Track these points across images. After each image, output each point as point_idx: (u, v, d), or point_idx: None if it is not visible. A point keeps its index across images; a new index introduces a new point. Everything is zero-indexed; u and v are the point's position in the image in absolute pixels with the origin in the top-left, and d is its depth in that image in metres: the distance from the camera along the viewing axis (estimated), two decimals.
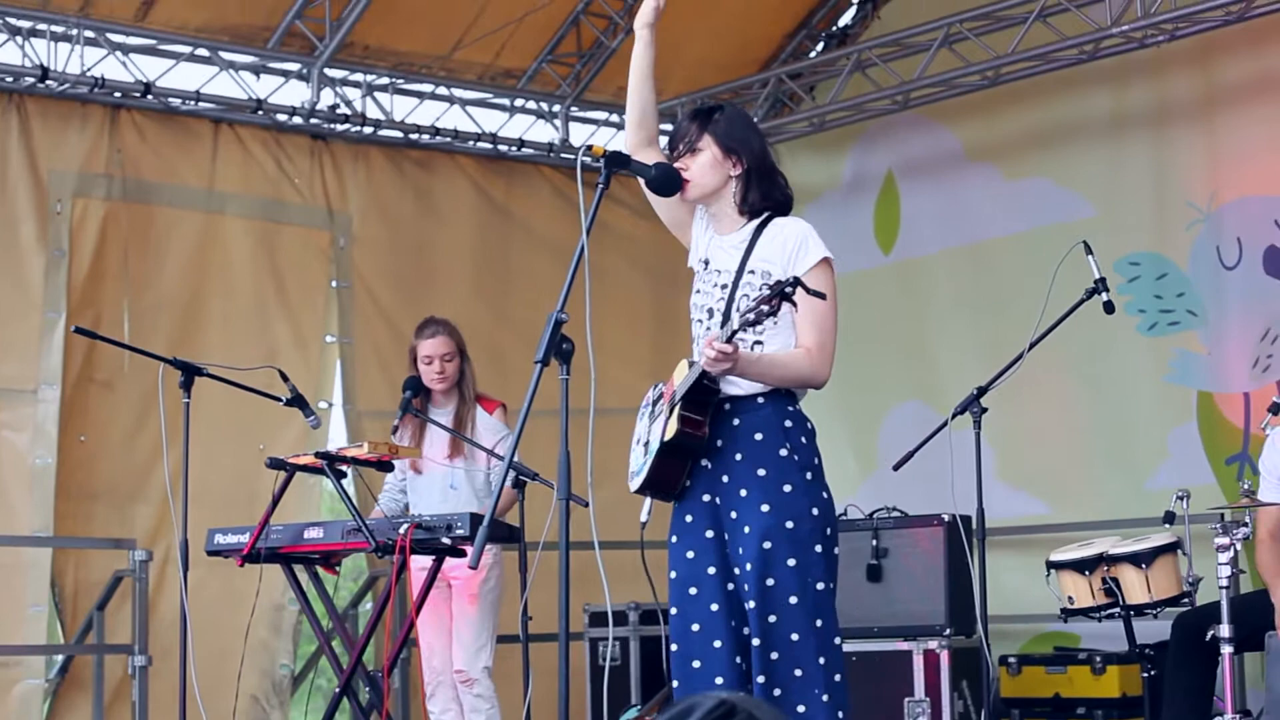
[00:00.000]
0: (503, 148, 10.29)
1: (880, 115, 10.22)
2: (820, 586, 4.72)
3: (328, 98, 9.61)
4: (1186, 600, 7.10)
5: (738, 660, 4.76)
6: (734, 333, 4.54)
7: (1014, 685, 8.03)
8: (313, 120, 9.56)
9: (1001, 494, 8.94)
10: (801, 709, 4.69)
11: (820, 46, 10.84)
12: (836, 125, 10.39)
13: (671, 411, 4.75)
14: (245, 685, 8.38)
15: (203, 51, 9.26)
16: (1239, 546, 5.74)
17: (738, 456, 4.77)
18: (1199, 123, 9.06)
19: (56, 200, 8.77)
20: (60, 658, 8.63)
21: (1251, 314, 8.79)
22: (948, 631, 8.00)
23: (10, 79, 8.65)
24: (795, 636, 4.69)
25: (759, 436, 4.76)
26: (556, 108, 10.56)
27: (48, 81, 8.68)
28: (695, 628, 4.80)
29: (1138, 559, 7.11)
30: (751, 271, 4.80)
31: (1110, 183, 9.39)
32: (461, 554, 6.31)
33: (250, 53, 9.41)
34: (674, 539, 4.89)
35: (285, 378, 7.03)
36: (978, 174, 10.00)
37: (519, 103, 10.46)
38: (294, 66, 9.53)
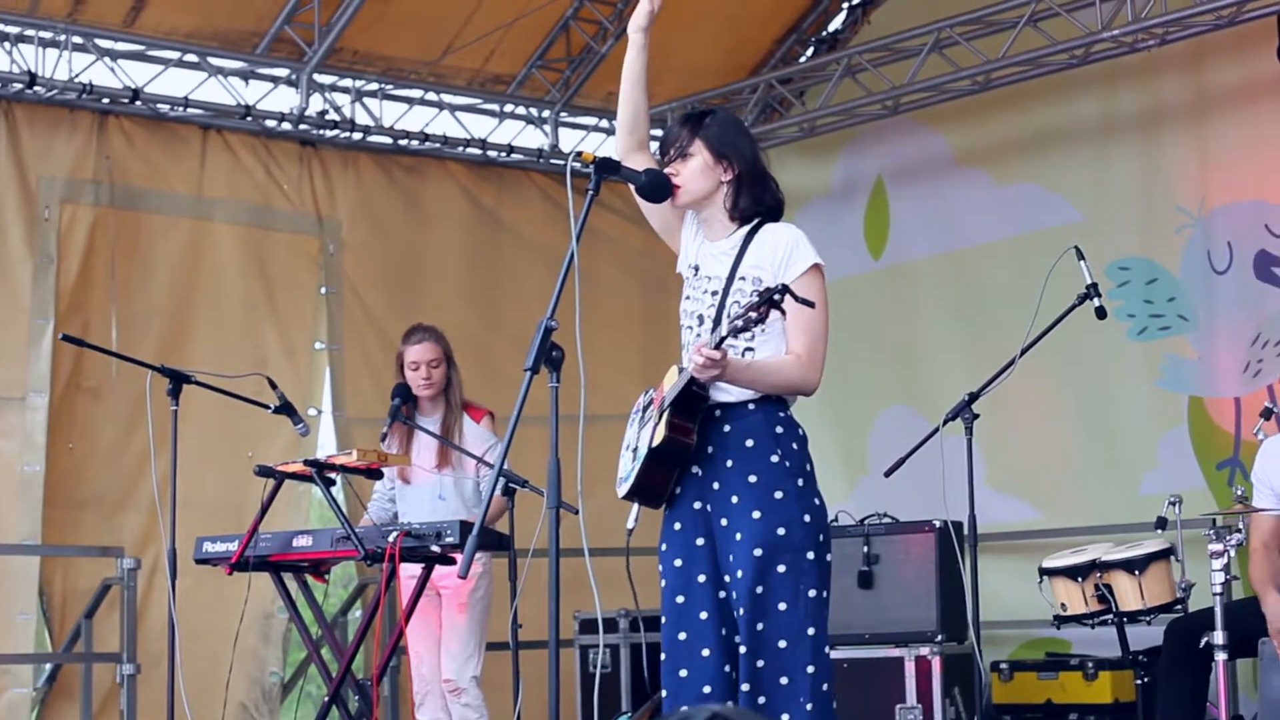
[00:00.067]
0: (492, 153, 10.28)
1: (870, 120, 10.20)
2: (812, 594, 4.70)
3: (317, 103, 9.59)
4: (1179, 606, 7.08)
5: (726, 669, 4.73)
6: (722, 339, 4.52)
7: (1006, 691, 8.02)
8: (302, 126, 9.54)
9: (991, 499, 8.92)
10: (785, 717, 4.66)
11: (810, 51, 10.83)
12: (827, 130, 10.38)
13: (660, 417, 4.73)
14: (234, 693, 8.37)
15: (191, 57, 9.24)
16: (1233, 553, 5.72)
17: (729, 463, 4.75)
18: (1189, 127, 9.06)
19: (44, 206, 8.74)
20: (48, 666, 8.60)
21: (1242, 318, 8.78)
22: (939, 638, 7.99)
23: None
24: (783, 644, 4.66)
25: (750, 443, 4.74)
26: (546, 113, 10.54)
27: (35, 88, 8.65)
28: (682, 636, 4.77)
29: (1131, 565, 7.09)
30: (742, 278, 4.78)
31: (1100, 188, 9.39)
32: (451, 562, 6.29)
33: (239, 58, 9.38)
34: (663, 547, 4.86)
35: (274, 385, 7.01)
36: (967, 179, 9.99)
37: (508, 108, 10.44)
38: (283, 72, 9.51)
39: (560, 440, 4.42)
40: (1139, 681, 7.20)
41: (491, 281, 10.18)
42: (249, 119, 9.34)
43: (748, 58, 10.70)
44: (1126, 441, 9.18)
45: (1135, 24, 8.65)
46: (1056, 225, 9.37)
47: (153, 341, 8.81)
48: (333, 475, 6.54)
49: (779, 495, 4.71)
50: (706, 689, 4.71)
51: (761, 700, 4.66)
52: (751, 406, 4.76)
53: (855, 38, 10.59)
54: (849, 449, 10.20)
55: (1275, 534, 6.59)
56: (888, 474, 7.30)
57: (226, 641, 7.43)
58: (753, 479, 4.71)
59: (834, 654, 4.80)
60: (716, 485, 4.76)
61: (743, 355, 4.73)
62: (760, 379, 4.73)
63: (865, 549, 8.25)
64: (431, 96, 10.14)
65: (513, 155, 10.36)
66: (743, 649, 4.67)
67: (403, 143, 9.95)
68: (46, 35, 8.76)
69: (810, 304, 4.49)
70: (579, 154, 4.70)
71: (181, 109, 9.13)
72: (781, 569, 4.67)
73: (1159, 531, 7.22)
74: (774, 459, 4.73)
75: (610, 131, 10.46)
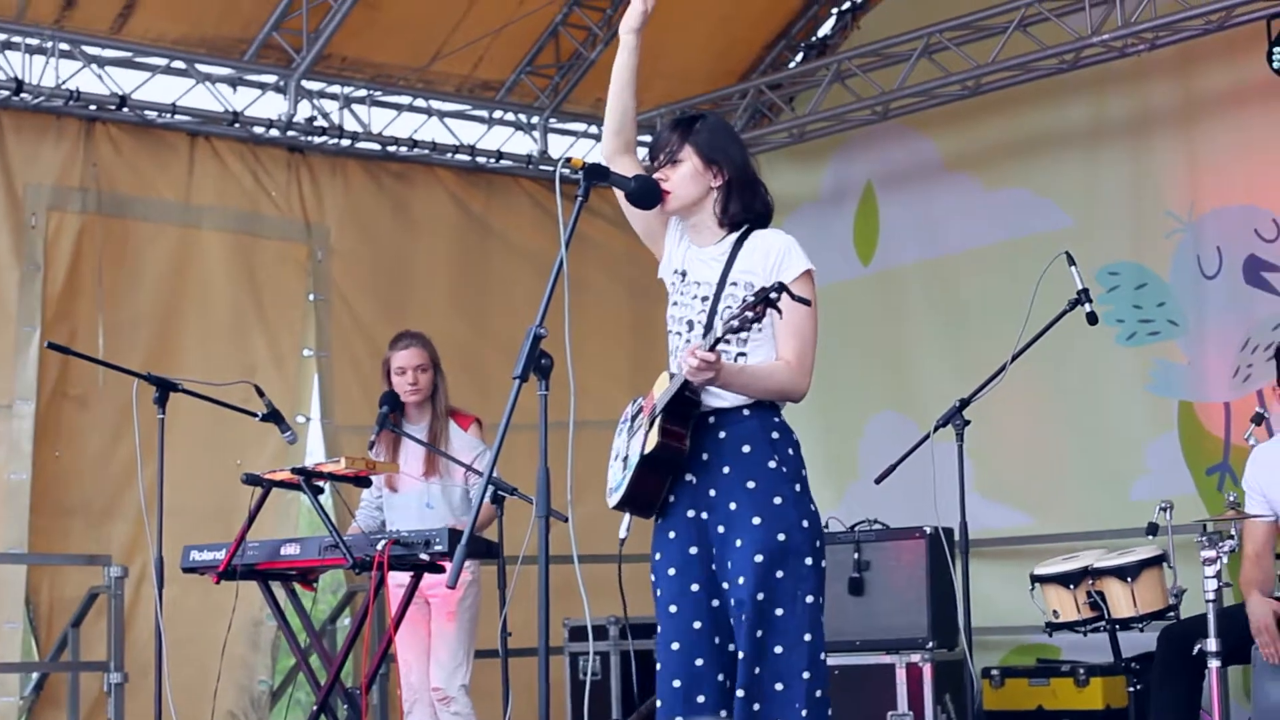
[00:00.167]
0: (481, 160, 10.26)
1: (860, 125, 10.20)
2: (810, 599, 4.67)
3: (305, 110, 9.57)
4: (1172, 613, 7.06)
5: (720, 678, 4.70)
6: (718, 340, 4.49)
7: (997, 698, 7.99)
8: (290, 133, 9.52)
9: (980, 505, 8.91)
10: None
11: (800, 57, 10.82)
12: (816, 136, 10.36)
13: (652, 424, 4.70)
14: (222, 702, 8.33)
15: (179, 64, 9.22)
16: (1225, 559, 5.71)
17: (725, 470, 4.72)
18: (1179, 132, 9.05)
19: (31, 214, 8.72)
20: (35, 675, 8.57)
21: (1232, 323, 8.78)
22: (930, 644, 7.96)
23: None
24: (779, 649, 4.64)
25: (747, 449, 4.71)
26: (535, 119, 10.53)
27: (22, 94, 8.63)
28: (675, 646, 4.74)
29: (1123, 572, 7.07)
30: (734, 284, 4.75)
31: (1089, 192, 9.38)
32: (440, 570, 6.27)
33: (227, 65, 9.37)
34: (657, 556, 4.82)
35: (261, 393, 6.99)
36: (957, 184, 9.99)
37: (497, 114, 10.42)
38: (271, 79, 9.49)
39: (549, 447, 4.39)
40: (1132, 688, 7.18)
41: (480, 288, 10.16)
42: (237, 125, 9.32)
43: (737, 63, 10.69)
44: (1116, 447, 9.18)
45: (1125, 29, 8.65)
46: (1046, 230, 9.36)
47: (140, 349, 8.78)
48: (321, 483, 6.52)
49: (778, 501, 4.68)
50: (701, 699, 4.68)
51: (756, 707, 4.63)
52: (746, 412, 4.73)
53: (845, 43, 10.58)
54: (838, 455, 10.18)
55: (1268, 542, 6.58)
56: (878, 480, 7.28)
57: (215, 650, 7.39)
58: (751, 485, 4.69)
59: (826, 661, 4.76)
60: (713, 492, 4.73)
61: (735, 360, 4.70)
62: (752, 383, 4.70)
63: (856, 555, 8.23)
64: (420, 103, 10.12)
65: (501, 161, 10.34)
66: (741, 655, 4.63)
67: (391, 149, 9.93)
68: (33, 42, 8.74)
69: (807, 302, 4.48)
70: (568, 160, 4.68)
71: (169, 116, 9.11)
72: (780, 575, 4.64)
73: (1150, 537, 7.20)
74: (771, 464, 4.71)
75: (600, 138, 10.45)
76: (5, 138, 8.70)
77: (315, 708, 6.49)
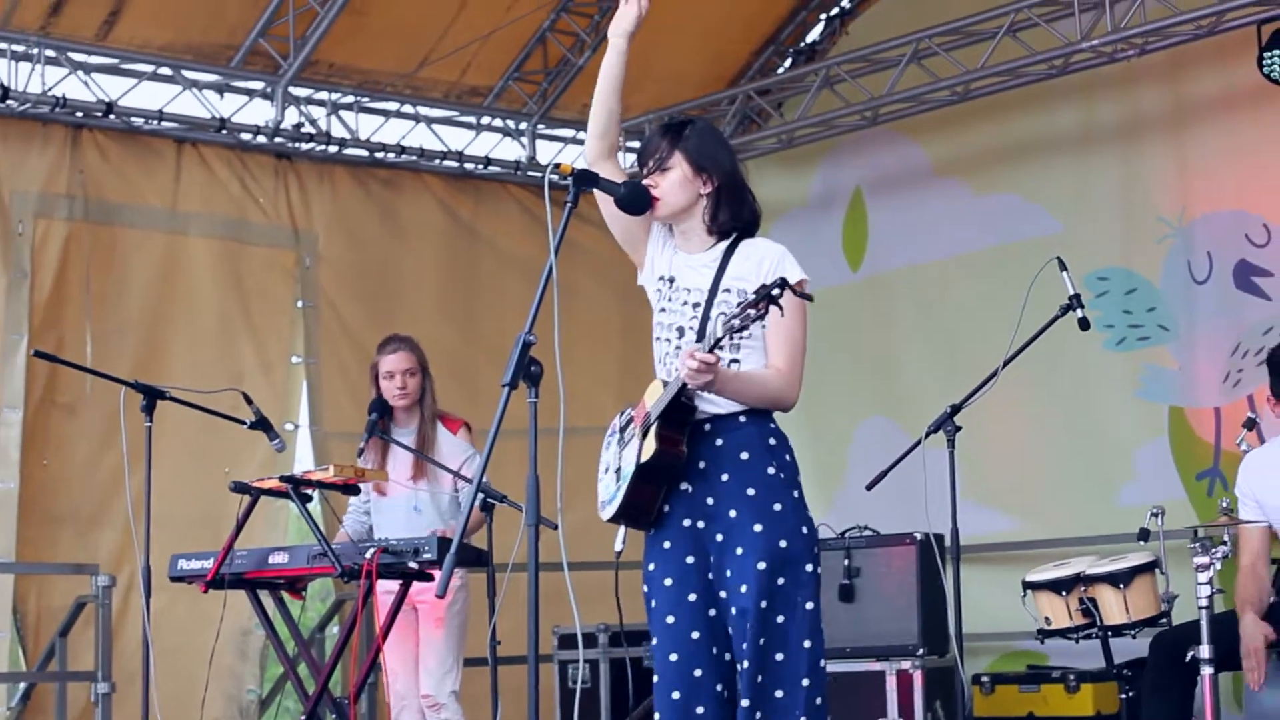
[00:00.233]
0: (469, 166, 10.25)
1: (849, 131, 10.18)
2: (810, 606, 4.65)
3: (292, 116, 9.54)
4: (1164, 620, 7.05)
5: (719, 689, 4.67)
6: (717, 341, 4.46)
7: (987, 704, 7.99)
8: (277, 139, 9.49)
9: (967, 511, 8.88)
10: None
11: (788, 63, 10.81)
12: (805, 141, 10.35)
13: (646, 433, 4.66)
14: (210, 711, 8.28)
15: (165, 70, 9.19)
16: (1218, 565, 5.69)
17: (724, 477, 4.68)
18: (1169, 137, 9.05)
19: (18, 221, 8.68)
20: (22, 685, 8.52)
21: (1222, 328, 8.78)
22: (921, 651, 7.95)
23: None
24: (780, 656, 4.61)
25: (745, 456, 4.68)
26: (523, 125, 10.51)
27: (8, 101, 8.60)
28: (674, 658, 4.70)
29: (1115, 579, 7.05)
30: (727, 290, 4.73)
31: (1079, 198, 9.38)
32: (429, 578, 6.24)
33: (214, 71, 9.34)
34: (651, 566, 4.78)
35: (249, 400, 6.97)
36: (946, 190, 9.98)
37: (485, 120, 10.41)
38: (258, 85, 9.47)
39: (539, 454, 4.37)
40: (1124, 695, 7.16)
41: (469, 294, 10.14)
42: (224, 132, 9.30)
43: (726, 69, 10.67)
44: (1105, 452, 9.17)
45: (1114, 34, 8.64)
46: (1035, 236, 9.36)
47: (128, 357, 8.75)
48: (309, 491, 6.49)
49: (778, 508, 4.66)
50: (700, 710, 4.66)
51: (758, 715, 4.60)
52: (743, 419, 4.71)
53: (833, 49, 10.58)
54: (827, 461, 10.17)
55: (1264, 550, 6.55)
56: (869, 487, 7.26)
57: (203, 659, 7.36)
58: (751, 492, 4.66)
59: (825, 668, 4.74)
60: (711, 500, 4.70)
61: (728, 366, 4.67)
62: (746, 390, 4.68)
63: (846, 562, 8.22)
64: (408, 109, 10.10)
65: (490, 167, 10.32)
66: (745, 663, 4.60)
67: (379, 155, 9.91)
68: (19, 48, 8.71)
69: (810, 297, 4.47)
70: (557, 166, 4.65)
71: (156, 122, 9.08)
72: (782, 582, 4.62)
73: (1141, 543, 7.18)
74: (771, 471, 4.68)
75: None
76: None
77: (304, 716, 6.47)
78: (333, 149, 9.69)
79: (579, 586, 4.57)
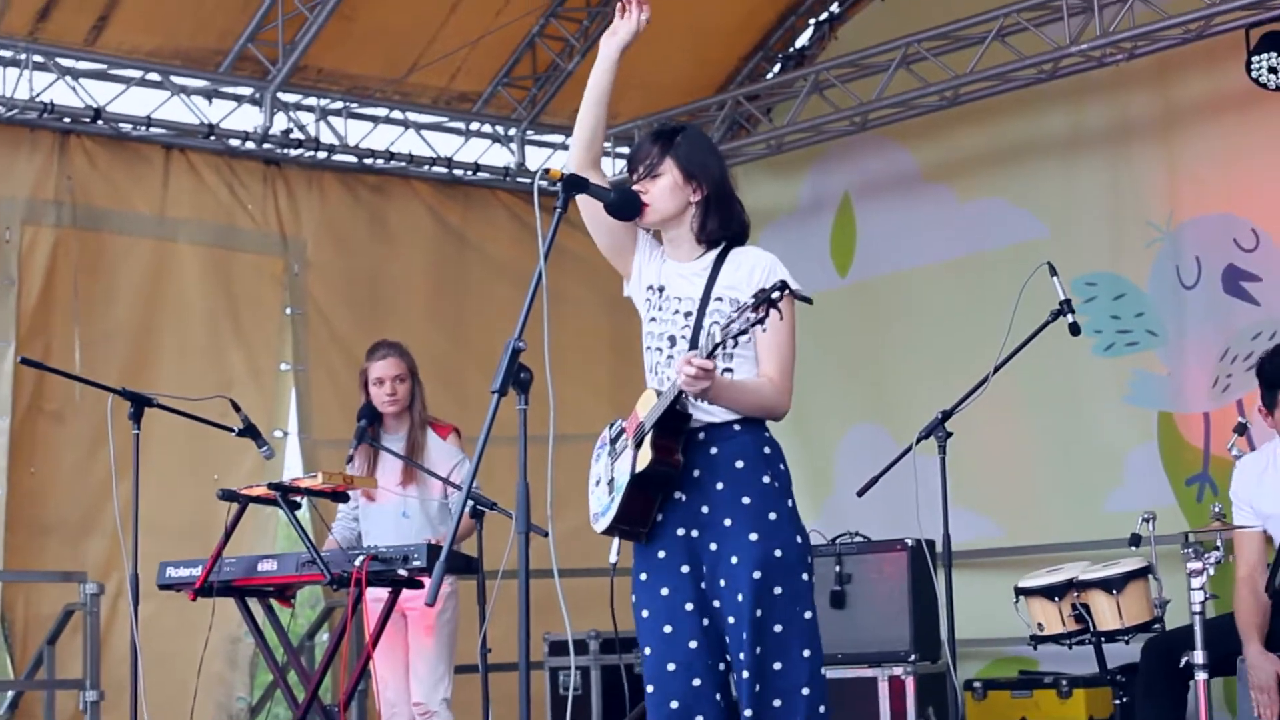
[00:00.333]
0: (458, 172, 10.24)
1: (838, 137, 10.17)
2: (808, 615, 4.64)
3: (281, 122, 9.53)
4: (1157, 625, 7.04)
5: (718, 698, 4.65)
6: (716, 347, 4.43)
7: (979, 710, 7.96)
8: (266, 145, 9.48)
9: (957, 517, 8.89)
10: None
11: (777, 68, 10.80)
12: (794, 147, 10.34)
13: (640, 443, 4.64)
14: (200, 719, 8.26)
15: (154, 76, 9.17)
16: (1212, 571, 5.67)
17: (718, 486, 4.66)
18: (1157, 141, 9.05)
19: (5, 228, 8.67)
20: (10, 693, 8.50)
21: (1211, 333, 8.78)
22: (913, 657, 7.93)
23: None
24: (778, 666, 4.60)
25: (740, 464, 4.66)
26: (513, 131, 10.50)
27: None
28: (671, 667, 4.67)
29: (1108, 585, 7.04)
30: (719, 299, 4.71)
31: (1067, 203, 9.38)
32: (418, 585, 6.22)
33: (202, 77, 9.32)
34: (643, 576, 4.75)
35: (237, 408, 6.94)
36: (934, 195, 9.98)
37: (474, 126, 10.39)
38: (247, 91, 9.45)
39: (529, 461, 4.35)
40: (1118, 700, 7.15)
41: (458, 301, 10.12)
42: (212, 138, 9.28)
43: (714, 74, 10.67)
44: (1094, 458, 9.17)
45: (1103, 38, 8.63)
46: (1023, 241, 9.36)
47: (116, 364, 8.73)
48: (298, 499, 6.47)
49: (773, 517, 4.64)
50: (700, 718, 4.64)
51: None
52: (737, 427, 4.69)
53: (822, 54, 10.57)
54: (816, 467, 10.16)
55: (1261, 557, 6.52)
56: (860, 493, 7.24)
57: (192, 667, 7.34)
58: (746, 501, 4.64)
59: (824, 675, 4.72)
60: (705, 509, 4.67)
61: (721, 375, 4.65)
62: (741, 398, 4.66)
63: (838, 569, 8.19)
64: (397, 115, 10.08)
65: (479, 174, 10.31)
66: (745, 674, 4.58)
67: (368, 161, 9.90)
68: (7, 54, 8.70)
69: (809, 300, 4.45)
70: (546, 171, 4.64)
71: (144, 128, 9.07)
72: (779, 591, 4.60)
73: (1133, 548, 7.17)
74: (765, 480, 4.67)
75: None
76: None
77: None
78: (321, 155, 9.68)
79: (569, 593, 4.56)
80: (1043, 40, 8.92)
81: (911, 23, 9.54)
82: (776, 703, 4.59)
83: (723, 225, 4.83)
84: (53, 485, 8.65)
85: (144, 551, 6.78)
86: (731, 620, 4.61)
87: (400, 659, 7.20)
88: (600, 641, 8.72)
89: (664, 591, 4.70)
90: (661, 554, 4.72)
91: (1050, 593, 7.22)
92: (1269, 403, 6.49)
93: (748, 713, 4.57)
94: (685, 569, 4.69)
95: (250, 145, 9.44)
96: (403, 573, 6.16)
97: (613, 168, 10.20)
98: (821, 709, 4.62)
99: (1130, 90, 9.13)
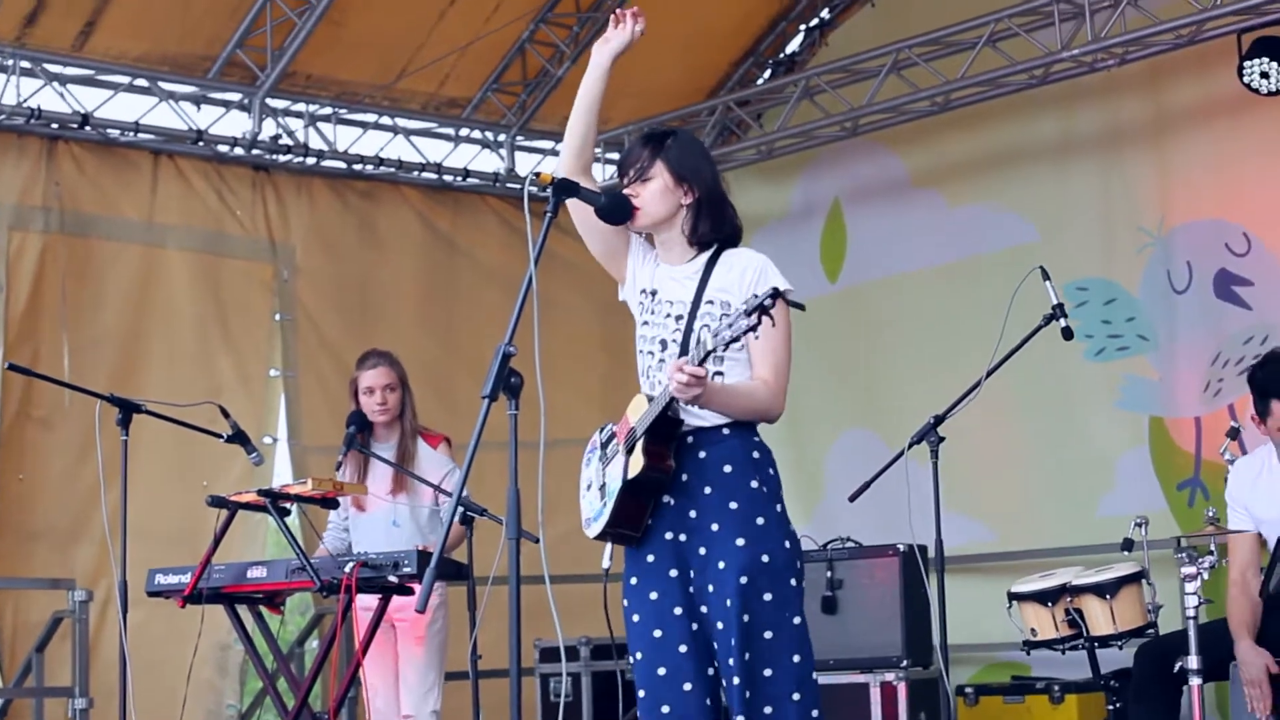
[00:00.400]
0: (448, 178, 10.21)
1: (829, 142, 10.16)
2: (797, 621, 4.62)
3: (269, 128, 9.51)
4: (1151, 630, 7.02)
5: (708, 703, 4.64)
6: (708, 354, 4.41)
7: (972, 716, 7.94)
8: (254, 151, 9.46)
9: (948, 522, 8.88)
10: None
11: (768, 74, 10.79)
12: (785, 152, 10.32)
13: (631, 449, 4.62)
14: None
15: (142, 81, 9.15)
16: (1205, 575, 5.66)
17: (706, 490, 4.64)
18: (1149, 146, 9.05)
19: None
20: None
21: (1203, 338, 8.77)
22: (905, 663, 7.92)
23: None
24: (769, 672, 4.57)
25: (728, 469, 4.64)
26: (502, 137, 10.48)
27: None
28: (662, 672, 4.65)
29: (1102, 589, 7.03)
30: (710, 302, 4.69)
31: (1058, 208, 9.37)
32: (408, 592, 6.20)
33: (190, 83, 9.30)
34: (633, 581, 4.73)
35: (226, 414, 6.92)
36: (925, 200, 9.97)
37: (464, 132, 10.38)
38: (235, 96, 9.43)
39: (520, 467, 4.33)
40: (1110, 707, 7.14)
41: (448, 307, 10.10)
42: (201, 144, 9.26)
43: (705, 80, 10.65)
44: (1085, 463, 9.16)
45: (1095, 43, 8.63)
46: (1014, 246, 9.36)
47: (105, 370, 8.70)
48: (287, 505, 6.45)
49: (761, 522, 4.61)
50: None
51: None
52: (726, 431, 4.67)
53: (813, 59, 10.56)
54: (807, 473, 10.15)
55: (1254, 559, 6.52)
56: (853, 498, 7.22)
57: (181, 674, 7.30)
58: (734, 505, 4.61)
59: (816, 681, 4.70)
60: (694, 514, 4.65)
61: (712, 380, 4.63)
62: (732, 402, 4.64)
63: (829, 574, 8.18)
64: (386, 120, 10.07)
65: (468, 179, 10.29)
66: (735, 680, 4.56)
67: (357, 167, 9.88)
68: None
69: (801, 306, 4.44)
70: (537, 175, 4.61)
71: (132, 134, 9.05)
72: (768, 597, 4.57)
73: (1125, 553, 7.16)
74: (754, 485, 4.64)
75: None
76: None
77: None
78: (310, 161, 9.65)
79: (560, 599, 4.53)
80: (1034, 45, 8.91)
81: (902, 28, 9.53)
82: (768, 709, 4.57)
83: (714, 228, 4.81)
84: (41, 492, 8.62)
85: (133, 558, 6.75)
86: (720, 626, 4.59)
87: (390, 668, 7.18)
88: (591, 648, 8.70)
89: (653, 596, 4.69)
90: (650, 558, 4.70)
91: (1043, 598, 7.20)
92: (1261, 411, 6.48)
93: (739, 719, 4.55)
94: (674, 573, 4.67)
95: (239, 151, 9.42)
96: (393, 579, 6.14)
97: (603, 173, 10.19)
98: (814, 714, 4.61)
99: (1122, 95, 9.13)
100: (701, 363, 4.42)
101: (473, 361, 9.48)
